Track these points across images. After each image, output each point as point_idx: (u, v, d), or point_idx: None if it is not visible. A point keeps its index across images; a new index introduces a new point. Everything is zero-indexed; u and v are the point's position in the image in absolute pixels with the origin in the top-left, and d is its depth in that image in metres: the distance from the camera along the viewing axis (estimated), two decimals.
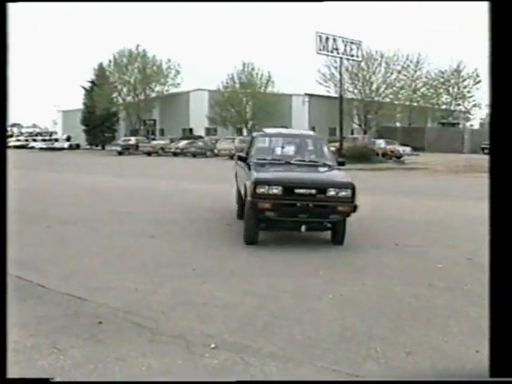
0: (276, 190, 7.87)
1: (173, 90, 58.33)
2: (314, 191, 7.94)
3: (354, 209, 7.88)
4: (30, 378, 3.37)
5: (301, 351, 4.30)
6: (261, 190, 7.85)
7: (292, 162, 9.02)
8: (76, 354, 4.15)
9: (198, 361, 4.05)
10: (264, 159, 9.12)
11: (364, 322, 5.02)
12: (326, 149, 9.89)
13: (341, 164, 9.46)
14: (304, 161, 9.15)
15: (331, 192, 7.88)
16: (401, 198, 15.53)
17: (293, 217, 7.98)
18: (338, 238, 8.29)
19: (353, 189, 7.94)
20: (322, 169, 9.07)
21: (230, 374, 3.87)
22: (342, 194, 7.87)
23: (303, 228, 8.03)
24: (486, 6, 2.27)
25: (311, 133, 11.62)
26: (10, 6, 2.22)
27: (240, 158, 9.79)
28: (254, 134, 11.09)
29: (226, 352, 4.21)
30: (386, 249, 8.25)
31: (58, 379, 3.73)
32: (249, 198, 7.98)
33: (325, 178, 8.57)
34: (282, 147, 9.79)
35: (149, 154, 46.73)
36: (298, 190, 7.93)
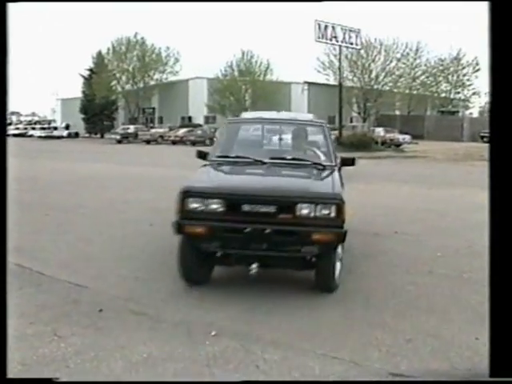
0: (215, 206, 5.12)
1: (172, 78, 58.17)
2: (273, 208, 5.06)
3: (342, 237, 5.11)
4: (30, 377, 3.36)
5: (301, 338, 4.31)
6: (193, 204, 5.15)
7: (266, 160, 6.04)
8: (76, 341, 4.15)
9: (199, 348, 4.06)
10: (227, 157, 6.33)
11: (364, 309, 5.03)
12: (326, 140, 6.66)
13: (347, 163, 6.47)
14: (285, 159, 6.18)
15: (303, 210, 5.04)
16: (400, 186, 15.52)
17: (242, 249, 5.14)
18: (323, 281, 5.45)
19: (338, 204, 5.06)
20: (306, 171, 6.02)
21: (231, 361, 3.88)
22: (322, 212, 5.03)
23: (254, 268, 5.11)
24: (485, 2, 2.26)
25: (308, 117, 8.04)
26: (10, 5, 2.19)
27: (200, 155, 6.61)
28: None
29: (227, 339, 4.22)
30: (385, 236, 8.24)
31: (59, 375, 3.71)
32: (176, 218, 5.25)
33: (295, 187, 5.50)
34: (261, 138, 7.26)
35: (148, 142, 46.66)
36: (247, 207, 5.08)
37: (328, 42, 36.12)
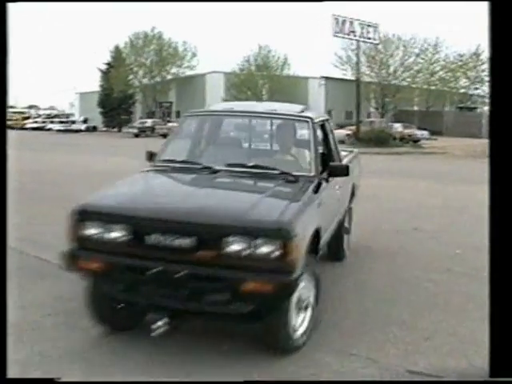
0: (116, 234, 3.72)
1: (189, 73, 58.27)
2: (190, 241, 3.56)
3: (290, 288, 3.59)
4: (30, 377, 3.35)
5: (318, 334, 4.29)
6: (90, 230, 3.85)
7: (220, 168, 4.58)
8: (95, 333, 4.18)
9: (216, 343, 4.06)
10: (172, 161, 4.91)
11: (382, 306, 5.01)
12: (310, 140, 4.87)
13: (337, 173, 4.83)
14: (245, 166, 4.60)
15: (233, 245, 3.51)
16: (418, 182, 15.39)
17: (149, 297, 3.71)
18: (270, 339, 3.92)
19: (285, 239, 3.48)
20: (265, 185, 4.33)
21: (245, 357, 3.88)
22: (261, 250, 3.48)
23: (159, 326, 3.63)
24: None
25: (295, 109, 5.49)
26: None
27: (150, 158, 5.15)
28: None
29: (240, 336, 4.21)
30: (403, 233, 8.19)
31: (77, 366, 3.73)
32: (68, 247, 4.04)
33: (226, 211, 3.78)
34: (224, 138, 5.70)
35: (165, 136, 46.67)
36: (155, 237, 3.62)
37: (346, 36, 35.93)
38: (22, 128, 57.90)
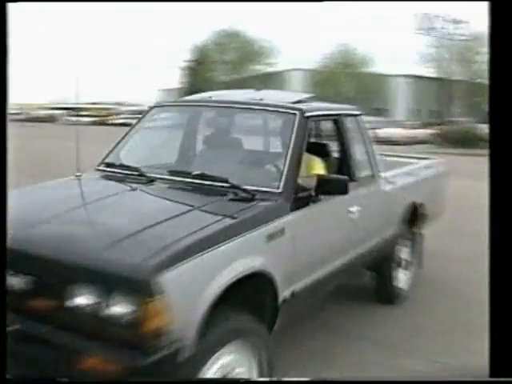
0: None
1: (270, 70, 58.73)
2: (25, 281, 2.46)
3: (152, 374, 2.23)
4: (30, 378, 3.38)
5: (403, 339, 4.24)
6: None
7: (161, 176, 3.57)
8: None
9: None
10: (112, 165, 3.89)
11: (462, 313, 4.87)
12: (290, 141, 3.47)
13: (330, 189, 3.33)
14: (189, 174, 3.45)
15: (79, 296, 2.32)
16: None
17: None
18: None
19: (146, 293, 2.19)
20: (196, 202, 3.16)
21: (333, 356, 3.85)
22: (114, 309, 2.25)
23: None
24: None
25: (288, 99, 4.01)
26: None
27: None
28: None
29: (332, 335, 4.22)
30: (477, 236, 7.85)
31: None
32: None
33: (83, 241, 2.56)
34: (187, 136, 4.47)
35: None
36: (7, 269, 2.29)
37: (430, 33, 35.15)
38: (109, 124, 60.33)
